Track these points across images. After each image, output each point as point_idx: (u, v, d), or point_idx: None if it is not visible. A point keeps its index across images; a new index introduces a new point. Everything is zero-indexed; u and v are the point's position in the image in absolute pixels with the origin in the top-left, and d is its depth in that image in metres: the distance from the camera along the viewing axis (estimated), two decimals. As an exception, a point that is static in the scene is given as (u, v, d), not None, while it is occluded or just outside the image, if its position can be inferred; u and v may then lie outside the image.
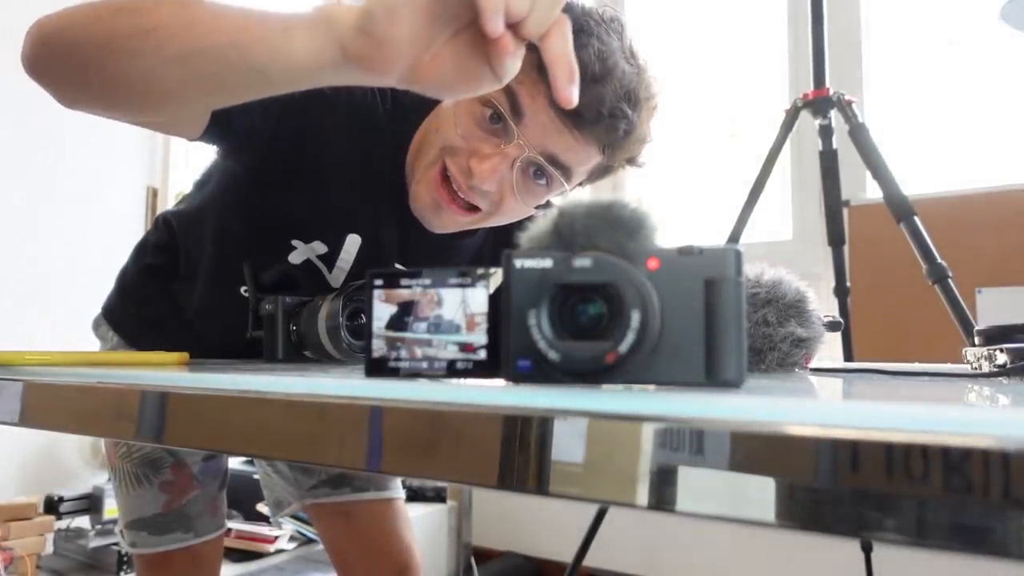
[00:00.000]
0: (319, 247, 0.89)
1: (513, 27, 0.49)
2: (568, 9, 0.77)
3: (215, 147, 0.84)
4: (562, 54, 0.51)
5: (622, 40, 0.78)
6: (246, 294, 0.89)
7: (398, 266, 0.93)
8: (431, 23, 0.50)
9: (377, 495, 1.14)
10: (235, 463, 1.84)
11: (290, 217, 0.87)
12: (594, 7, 0.80)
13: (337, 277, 0.91)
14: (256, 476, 1.83)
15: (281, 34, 0.52)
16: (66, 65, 0.61)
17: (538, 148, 0.77)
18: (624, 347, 0.35)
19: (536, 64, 0.74)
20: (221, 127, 0.75)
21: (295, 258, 0.89)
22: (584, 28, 0.75)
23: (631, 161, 0.86)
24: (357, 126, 0.83)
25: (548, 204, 0.86)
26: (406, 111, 0.87)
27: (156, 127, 0.76)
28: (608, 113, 0.75)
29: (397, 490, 1.17)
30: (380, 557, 1.13)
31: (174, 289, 0.98)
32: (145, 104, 0.62)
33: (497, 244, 0.97)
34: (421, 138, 0.85)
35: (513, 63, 0.52)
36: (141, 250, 1.04)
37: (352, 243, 0.89)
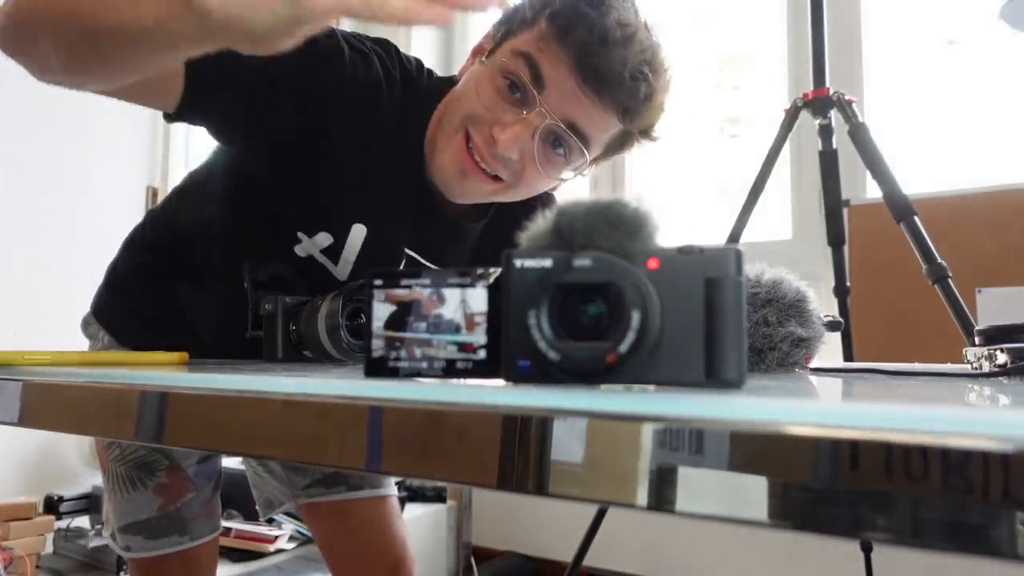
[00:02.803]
0: (324, 239, 0.89)
1: None
2: None
3: (203, 127, 0.84)
4: None
5: (638, 15, 0.81)
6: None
7: (408, 252, 0.93)
8: None
9: (372, 493, 1.14)
10: (235, 462, 1.84)
11: (293, 209, 0.88)
12: None
13: (343, 270, 0.91)
14: (256, 476, 1.81)
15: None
16: (30, 37, 0.65)
17: (559, 116, 0.79)
18: (624, 347, 0.35)
19: (557, 33, 0.77)
20: (195, 106, 0.76)
21: (300, 251, 0.89)
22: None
23: (646, 133, 0.87)
24: (360, 114, 0.83)
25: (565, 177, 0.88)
26: (419, 96, 0.87)
27: (128, 97, 0.76)
28: (630, 76, 0.78)
29: (391, 487, 1.17)
30: (375, 553, 1.14)
31: (170, 288, 0.97)
32: (86, 72, 0.66)
33: (500, 224, 0.97)
34: (442, 111, 0.86)
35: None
36: (132, 247, 1.02)
37: (357, 234, 0.88)
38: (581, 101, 0.78)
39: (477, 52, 0.86)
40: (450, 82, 0.90)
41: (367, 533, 1.14)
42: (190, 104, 0.75)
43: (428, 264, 0.95)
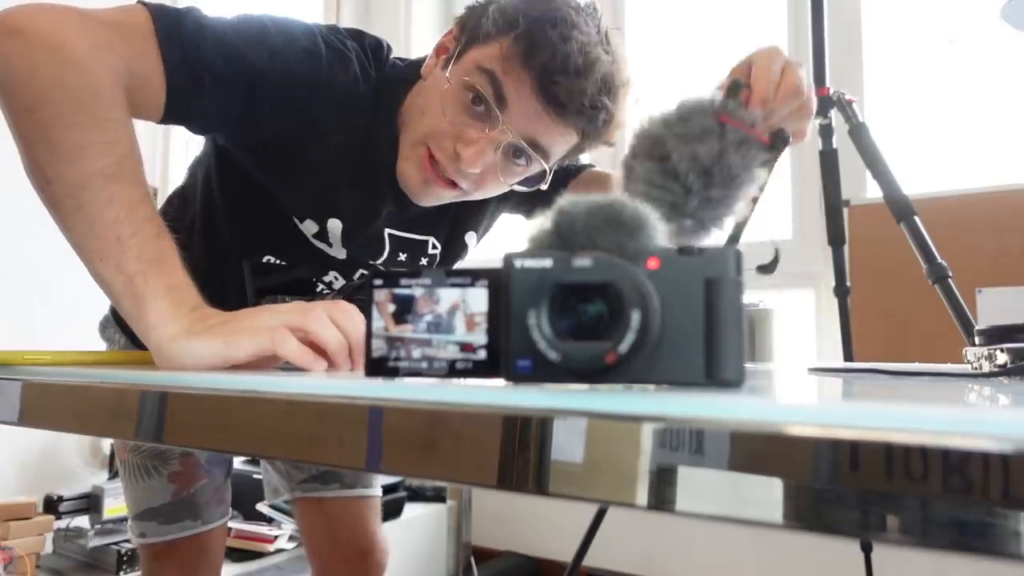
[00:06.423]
0: (311, 226, 0.91)
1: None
2: None
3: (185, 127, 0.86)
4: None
5: (599, 28, 0.81)
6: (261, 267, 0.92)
7: (393, 232, 0.96)
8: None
9: (363, 492, 1.20)
10: (236, 463, 1.84)
11: (282, 196, 0.90)
12: None
13: (339, 252, 0.93)
14: (257, 476, 1.83)
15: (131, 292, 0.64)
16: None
17: (521, 134, 0.81)
18: (624, 347, 0.35)
19: (521, 56, 0.78)
20: (179, 111, 0.78)
21: (303, 230, 0.92)
22: (567, 19, 0.78)
23: (607, 143, 0.89)
24: (337, 115, 0.84)
25: (526, 180, 0.91)
26: (391, 88, 0.88)
27: None
28: (590, 105, 0.79)
29: (377, 487, 1.24)
30: (346, 543, 1.20)
31: None
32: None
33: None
34: (406, 115, 0.87)
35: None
36: None
37: (335, 225, 0.91)
38: (543, 120, 0.80)
39: (440, 51, 0.87)
40: (415, 69, 0.90)
41: (346, 527, 1.20)
42: (171, 111, 0.77)
43: (416, 238, 0.98)
